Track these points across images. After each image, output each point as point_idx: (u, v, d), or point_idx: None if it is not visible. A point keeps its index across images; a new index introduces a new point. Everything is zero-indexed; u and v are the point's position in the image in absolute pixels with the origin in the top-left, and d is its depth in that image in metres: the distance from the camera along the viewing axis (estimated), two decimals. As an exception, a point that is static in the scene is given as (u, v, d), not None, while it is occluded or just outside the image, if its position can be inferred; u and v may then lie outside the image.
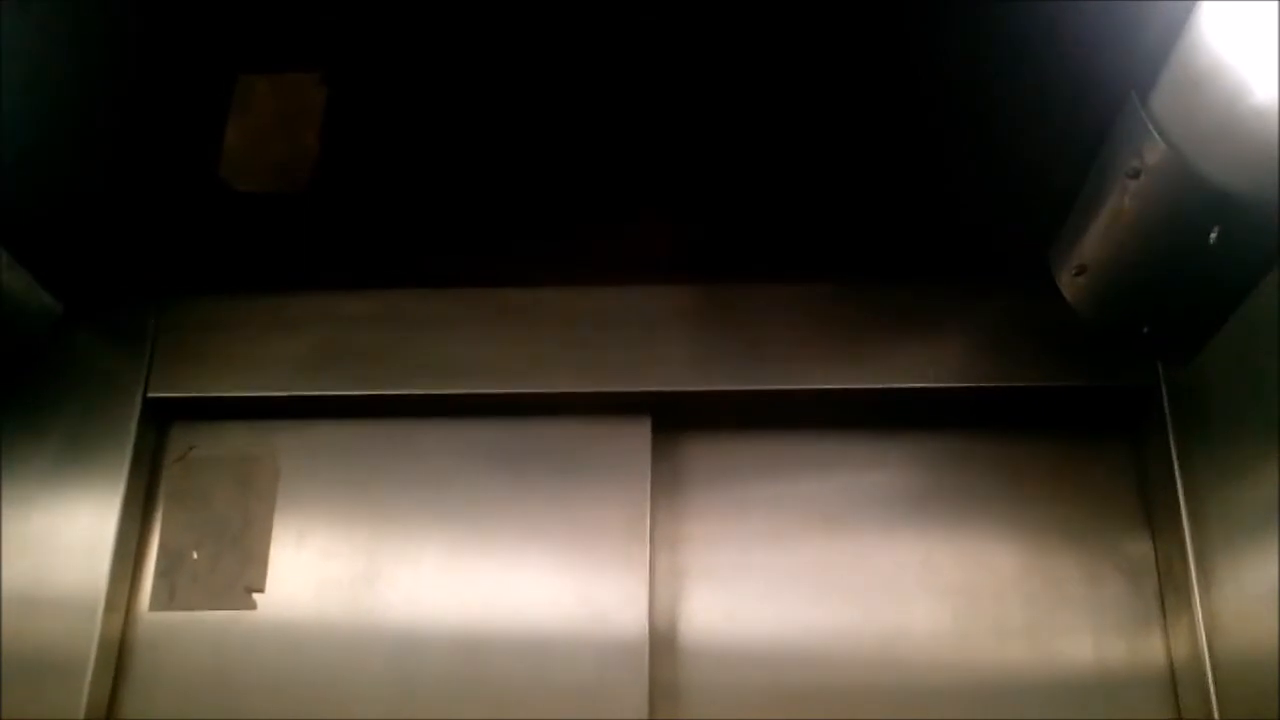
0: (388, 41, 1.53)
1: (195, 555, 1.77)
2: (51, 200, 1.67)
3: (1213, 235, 1.31)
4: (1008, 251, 1.70)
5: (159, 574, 1.77)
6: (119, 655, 1.71)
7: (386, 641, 1.70)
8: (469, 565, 1.73)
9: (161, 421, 1.84)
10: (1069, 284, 1.58)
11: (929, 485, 1.76)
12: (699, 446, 1.81)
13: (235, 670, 1.70)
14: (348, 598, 1.73)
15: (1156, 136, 1.30)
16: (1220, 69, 1.20)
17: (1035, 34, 1.32)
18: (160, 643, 1.73)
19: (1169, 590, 1.64)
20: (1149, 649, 1.64)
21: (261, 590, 1.75)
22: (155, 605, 1.75)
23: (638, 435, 1.77)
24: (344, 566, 1.75)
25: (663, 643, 1.69)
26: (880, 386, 1.72)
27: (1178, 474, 1.59)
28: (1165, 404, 1.63)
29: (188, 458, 1.84)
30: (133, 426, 1.76)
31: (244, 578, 1.75)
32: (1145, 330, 1.55)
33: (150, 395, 1.79)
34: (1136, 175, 1.35)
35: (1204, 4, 1.19)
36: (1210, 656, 1.49)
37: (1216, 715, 1.46)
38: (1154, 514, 1.69)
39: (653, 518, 1.73)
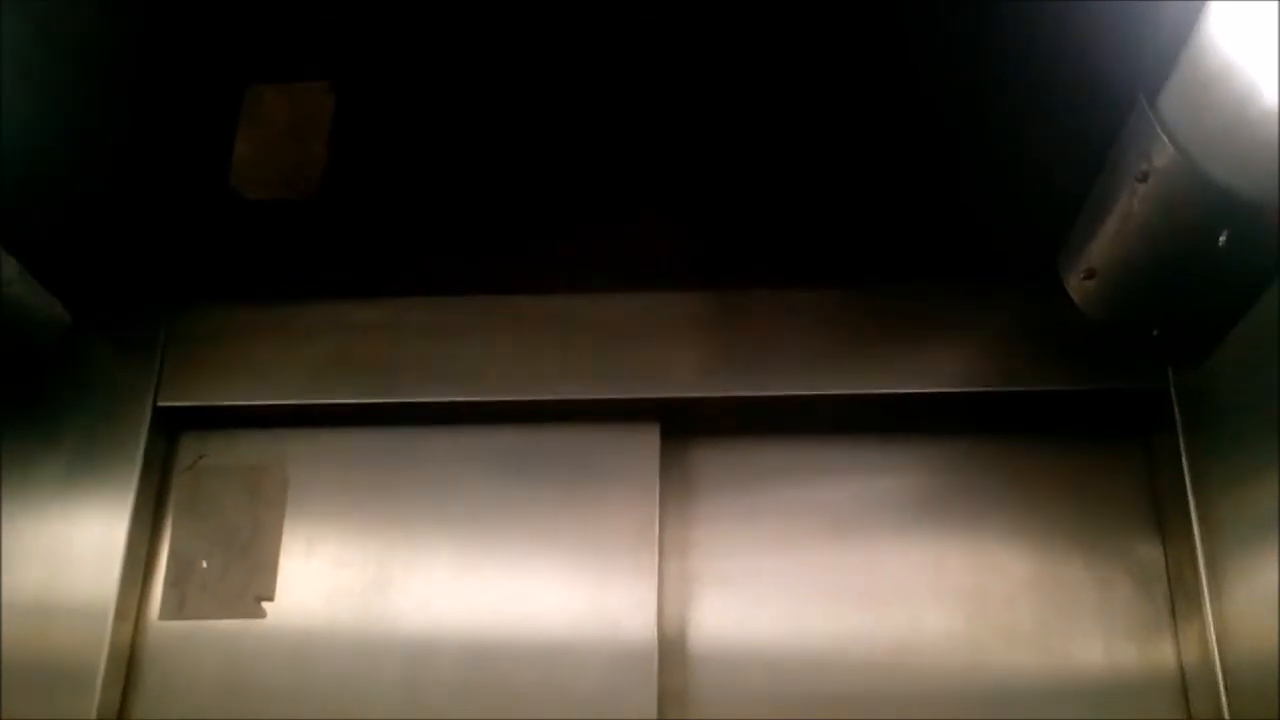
0: (396, 51, 1.53)
1: (205, 564, 1.77)
2: (61, 210, 1.67)
3: (1222, 238, 1.31)
4: (1016, 255, 1.69)
5: (169, 583, 1.77)
6: (129, 664, 1.71)
7: (397, 649, 1.69)
8: (478, 572, 1.73)
9: (171, 430, 1.84)
10: (1078, 287, 1.58)
11: (939, 490, 1.75)
12: (708, 452, 1.81)
13: (245, 679, 1.70)
14: (358, 606, 1.73)
15: (1165, 139, 1.30)
16: (1229, 71, 1.19)
17: (1043, 36, 1.32)
18: (170, 652, 1.73)
19: (1179, 594, 1.63)
20: (1159, 653, 1.63)
21: (271, 599, 1.75)
22: (165, 614, 1.75)
23: (647, 441, 1.77)
24: (354, 574, 1.75)
25: (672, 648, 1.69)
26: (889, 391, 1.72)
27: (1188, 478, 1.58)
28: (1175, 407, 1.63)
29: (197, 466, 1.84)
30: (142, 435, 1.77)
31: (254, 586, 1.75)
32: (1155, 333, 1.55)
33: (160, 404, 1.79)
34: (1145, 178, 1.35)
35: (1212, 5, 1.19)
36: (1221, 661, 1.48)
37: (1227, 719, 1.46)
38: (1164, 518, 1.68)
39: (662, 523, 1.73)
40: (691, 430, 1.81)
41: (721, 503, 1.79)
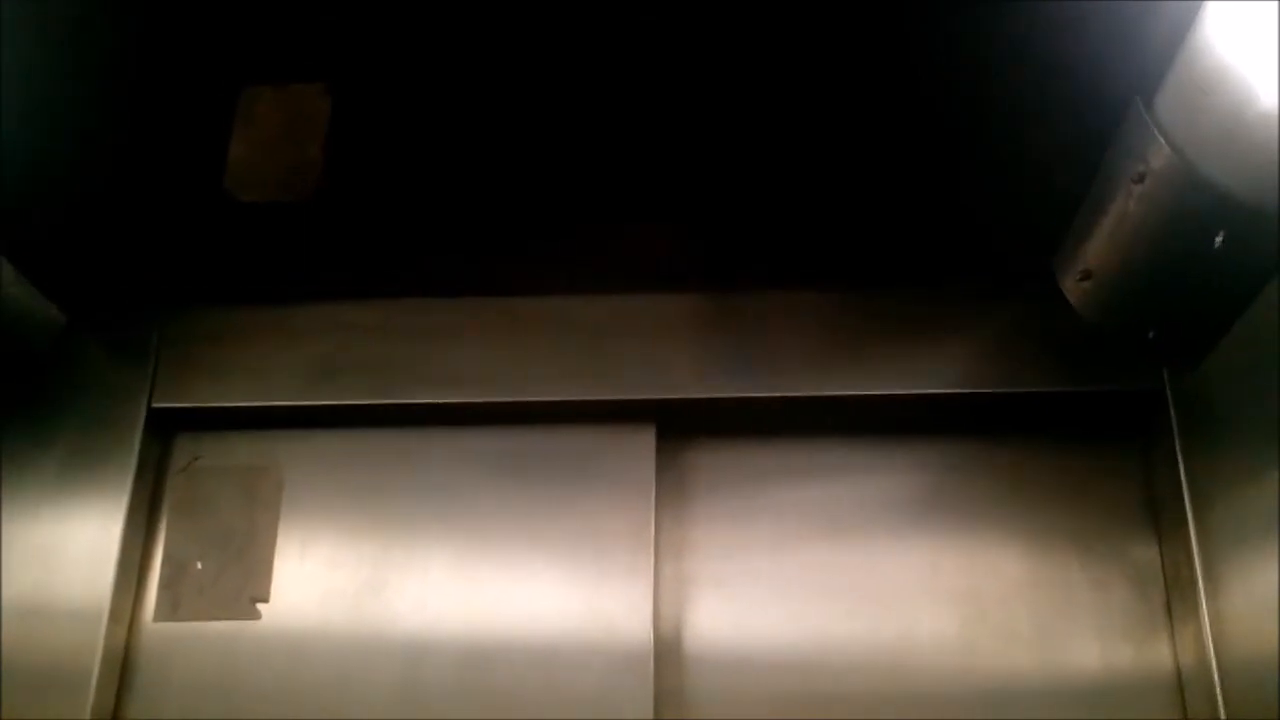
0: (392, 53, 1.53)
1: (200, 566, 1.77)
2: (56, 211, 1.67)
3: (1218, 239, 1.31)
4: (1012, 257, 1.70)
5: (163, 585, 1.76)
6: (123, 666, 1.70)
7: (392, 651, 1.69)
8: (474, 574, 1.73)
9: (166, 432, 1.84)
10: (1074, 289, 1.58)
11: (935, 491, 1.75)
12: (704, 454, 1.81)
13: (240, 681, 1.70)
14: (353, 607, 1.72)
15: (1161, 140, 1.30)
16: (1225, 72, 1.19)
17: (1039, 38, 1.32)
18: (164, 654, 1.72)
19: (1175, 595, 1.63)
20: (1156, 654, 1.63)
21: (266, 601, 1.74)
22: (160, 616, 1.75)
23: (643, 443, 1.77)
24: (349, 576, 1.74)
25: (668, 650, 1.69)
26: (885, 393, 1.72)
27: (1184, 479, 1.58)
28: (1171, 409, 1.63)
29: (192, 468, 1.83)
30: (137, 437, 1.76)
31: (249, 588, 1.75)
32: (1151, 335, 1.55)
33: (154, 406, 1.79)
34: (1141, 179, 1.35)
35: (1209, 6, 1.19)
36: (1217, 662, 1.49)
37: (1223, 720, 1.46)
38: (1160, 519, 1.68)
39: (658, 525, 1.73)
40: (687, 432, 1.80)
41: (717, 504, 1.79)
